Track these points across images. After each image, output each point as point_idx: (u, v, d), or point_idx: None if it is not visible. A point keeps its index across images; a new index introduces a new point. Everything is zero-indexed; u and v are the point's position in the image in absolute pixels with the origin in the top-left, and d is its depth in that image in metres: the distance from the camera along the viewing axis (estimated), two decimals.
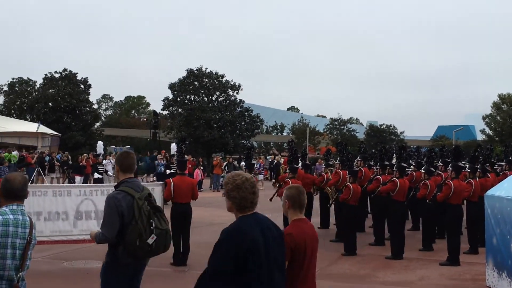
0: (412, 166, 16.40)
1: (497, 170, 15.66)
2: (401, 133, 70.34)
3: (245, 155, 17.65)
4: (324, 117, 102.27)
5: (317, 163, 29.04)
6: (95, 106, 66.24)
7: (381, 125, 71.84)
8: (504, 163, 16.27)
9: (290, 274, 4.63)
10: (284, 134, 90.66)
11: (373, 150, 20.88)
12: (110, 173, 26.86)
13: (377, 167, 15.44)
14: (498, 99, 60.78)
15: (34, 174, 26.47)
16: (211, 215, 18.64)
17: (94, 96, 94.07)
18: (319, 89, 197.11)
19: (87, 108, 54.81)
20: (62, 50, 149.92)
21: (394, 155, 18.06)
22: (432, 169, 13.97)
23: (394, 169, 13.38)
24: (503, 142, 43.64)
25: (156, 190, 11.13)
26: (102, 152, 29.53)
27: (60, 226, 10.49)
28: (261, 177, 32.63)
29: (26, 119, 53.65)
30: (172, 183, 10.96)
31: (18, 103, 59.11)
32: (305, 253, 4.83)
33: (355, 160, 16.11)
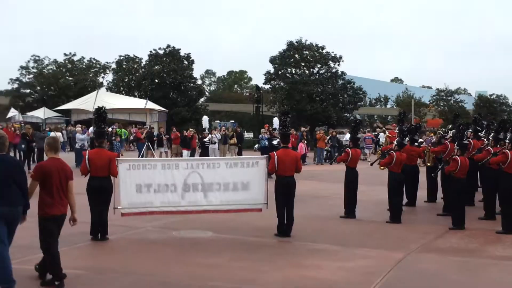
0: None
1: None
2: None
3: (351, 129, 17.45)
4: (430, 88, 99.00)
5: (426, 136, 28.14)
6: (199, 82, 67.69)
7: (491, 95, 68.63)
8: None
9: (42, 189, 7.51)
10: (388, 106, 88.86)
11: (483, 122, 19.92)
12: (215, 147, 27.48)
13: (490, 139, 14.82)
14: None
15: (144, 148, 27.54)
16: (315, 188, 18.70)
17: (197, 72, 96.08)
18: (423, 59, 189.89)
19: (192, 84, 56.17)
20: (166, 28, 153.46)
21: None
22: None
23: (507, 141, 12.75)
24: None
25: (260, 163, 11.32)
26: (208, 127, 30.23)
27: (169, 198, 10.88)
28: (367, 150, 32.30)
29: (134, 96, 55.80)
30: (276, 156, 11.05)
31: (126, 80, 61.45)
32: (52, 177, 7.46)
33: (466, 132, 15.53)
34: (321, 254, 9.71)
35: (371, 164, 13.81)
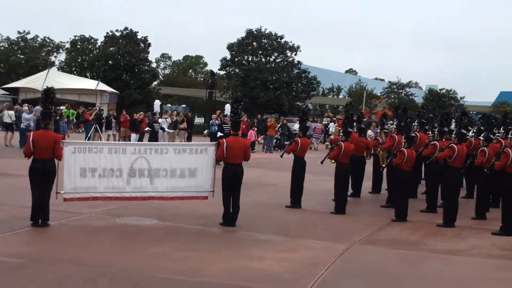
0: (471, 133, 15.94)
1: None
2: (461, 98, 68.50)
3: (299, 118, 17.49)
4: (383, 80, 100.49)
5: (371, 127, 28.57)
6: (154, 65, 66.96)
7: (441, 90, 70.10)
8: None
9: None
10: (340, 97, 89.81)
11: (430, 115, 20.30)
12: (166, 130, 27.18)
13: (435, 133, 15.08)
14: None
15: (92, 130, 27.03)
16: (262, 175, 18.74)
17: (153, 55, 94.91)
18: (378, 52, 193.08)
19: (146, 67, 55.56)
20: (124, 9, 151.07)
21: (453, 121, 17.57)
22: (491, 136, 13.55)
23: (453, 135, 13.00)
24: None
25: (209, 150, 11.21)
26: (159, 111, 29.89)
27: (114, 183, 10.66)
28: (315, 140, 32.53)
29: (86, 77, 54.91)
30: (225, 144, 10.97)
31: (79, 60, 60.40)
32: None
33: (412, 125, 15.75)
34: (266, 244, 9.71)
35: (321, 162, 13.89)
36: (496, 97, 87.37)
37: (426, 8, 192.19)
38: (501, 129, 15.69)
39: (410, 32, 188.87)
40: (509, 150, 11.59)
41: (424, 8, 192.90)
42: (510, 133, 12.77)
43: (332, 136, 20.68)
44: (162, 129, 26.48)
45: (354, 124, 15.61)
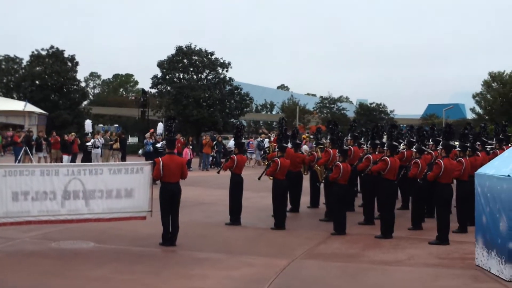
0: (403, 145, 16.34)
1: (487, 149, 15.62)
2: (391, 111, 70.39)
3: (234, 134, 17.49)
4: (314, 95, 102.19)
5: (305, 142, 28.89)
6: (83, 84, 65.66)
7: (371, 104, 71.86)
8: (494, 142, 16.25)
9: None
10: (274, 112, 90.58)
11: (363, 129, 20.71)
12: (98, 152, 26.70)
13: (368, 146, 15.37)
14: (489, 77, 60.79)
15: (21, 153, 26.18)
16: (200, 194, 18.59)
17: (81, 74, 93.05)
18: (309, 68, 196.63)
19: (75, 86, 54.28)
20: (49, 27, 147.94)
21: (385, 133, 17.97)
22: (423, 147, 13.92)
23: (385, 148, 13.29)
24: (493, 121, 43.70)
25: (145, 170, 11.03)
26: (90, 131, 29.28)
27: (48, 206, 10.32)
28: (254, 156, 32.66)
29: (12, 98, 53.28)
30: (161, 162, 10.84)
31: (4, 81, 58.60)
32: None
33: (345, 139, 16.01)
34: (207, 263, 9.61)
35: (259, 178, 13.92)
36: (425, 110, 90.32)
37: (354, 23, 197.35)
38: (430, 140, 16.20)
39: (340, 48, 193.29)
40: (440, 161, 11.94)
41: (352, 24, 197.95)
42: (440, 144, 13.16)
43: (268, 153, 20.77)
44: (98, 146, 25.97)
45: (290, 139, 15.75)
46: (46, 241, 10.87)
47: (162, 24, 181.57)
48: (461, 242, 11.60)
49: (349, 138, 16.42)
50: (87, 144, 25.87)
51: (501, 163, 9.65)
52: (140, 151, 32.45)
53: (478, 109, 62.64)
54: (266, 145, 31.79)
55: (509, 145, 15.41)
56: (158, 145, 22.45)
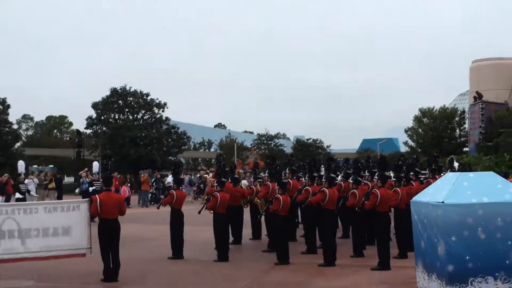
0: (340, 177, 16.63)
1: (421, 179, 16.13)
2: (327, 146, 71.47)
3: (172, 171, 17.43)
4: (252, 133, 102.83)
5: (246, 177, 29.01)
6: (15, 127, 63.95)
7: (308, 139, 72.81)
8: (427, 172, 16.81)
9: None
10: (212, 150, 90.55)
11: (300, 163, 21.05)
12: (32, 192, 26.11)
13: (306, 179, 15.58)
14: (419, 113, 62.96)
15: None
16: (140, 230, 18.35)
17: (13, 116, 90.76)
18: (245, 107, 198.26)
19: (7, 129, 52.94)
20: None
21: (322, 167, 18.25)
22: (359, 179, 14.22)
23: (323, 180, 13.54)
24: (425, 153, 45.06)
25: (82, 207, 10.84)
26: (24, 172, 28.50)
27: None
28: (192, 191, 32.53)
29: None
30: (98, 199, 10.72)
31: None
32: None
33: (283, 172, 16.21)
34: None
35: (199, 212, 13.89)
36: (360, 144, 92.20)
37: (289, 60, 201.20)
38: (366, 172, 16.60)
39: (277, 86, 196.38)
40: (377, 191, 12.23)
41: (287, 61, 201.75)
42: (375, 175, 13.49)
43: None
44: (28, 191, 25.37)
45: (228, 174, 15.79)
46: None
47: (96, 65, 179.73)
48: (402, 267, 11.82)
49: (287, 171, 16.62)
50: (20, 185, 25.22)
51: (435, 190, 9.92)
52: (77, 190, 31.77)
53: (410, 142, 64.55)
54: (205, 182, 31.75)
55: (441, 174, 15.93)
56: (94, 186, 22.29)
